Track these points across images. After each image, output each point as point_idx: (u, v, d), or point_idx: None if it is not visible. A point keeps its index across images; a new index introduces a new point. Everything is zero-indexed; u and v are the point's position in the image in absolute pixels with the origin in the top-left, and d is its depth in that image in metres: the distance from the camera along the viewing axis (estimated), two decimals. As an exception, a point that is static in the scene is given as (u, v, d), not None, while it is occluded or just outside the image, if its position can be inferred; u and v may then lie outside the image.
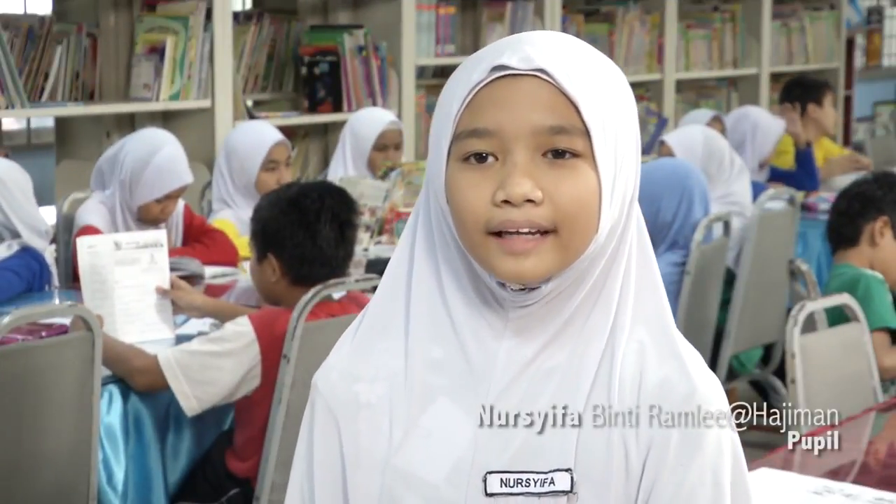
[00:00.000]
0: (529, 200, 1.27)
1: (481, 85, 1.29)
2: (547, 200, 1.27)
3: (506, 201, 1.27)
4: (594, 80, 1.29)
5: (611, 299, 1.32)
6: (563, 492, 1.29)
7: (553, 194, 1.27)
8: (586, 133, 1.28)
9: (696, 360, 1.33)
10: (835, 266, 3.97)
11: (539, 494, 1.30)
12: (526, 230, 1.27)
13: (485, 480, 1.30)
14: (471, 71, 1.30)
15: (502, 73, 1.28)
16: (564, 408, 1.30)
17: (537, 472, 1.30)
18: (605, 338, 1.32)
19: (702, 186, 4.41)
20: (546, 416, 1.31)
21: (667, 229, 4.35)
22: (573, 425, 1.30)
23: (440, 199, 1.32)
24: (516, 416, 1.31)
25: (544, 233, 1.28)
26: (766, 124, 6.13)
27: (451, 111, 1.30)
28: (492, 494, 1.30)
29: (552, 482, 1.29)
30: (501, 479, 1.30)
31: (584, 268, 1.31)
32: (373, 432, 1.35)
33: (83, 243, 3.42)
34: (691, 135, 5.11)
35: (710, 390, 1.32)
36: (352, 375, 1.37)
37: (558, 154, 1.28)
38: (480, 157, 1.29)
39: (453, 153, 1.30)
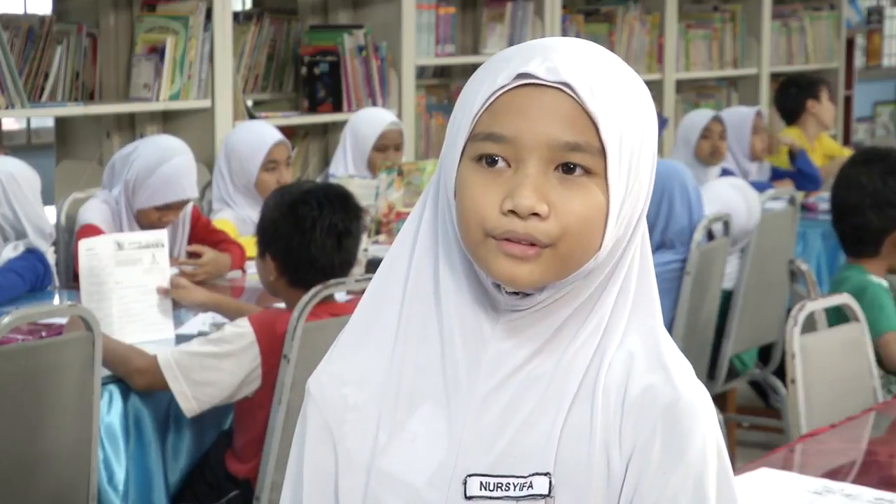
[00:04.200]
0: (535, 214, 1.26)
1: (505, 90, 1.28)
2: (553, 216, 1.27)
3: (512, 211, 1.26)
4: (617, 97, 1.28)
5: (605, 311, 1.32)
6: (541, 495, 1.29)
7: (560, 211, 1.27)
8: (602, 152, 1.27)
9: (683, 369, 1.33)
10: (847, 266, 3.89)
11: (517, 498, 1.29)
12: (526, 243, 1.27)
13: (465, 483, 1.30)
14: (496, 73, 1.29)
15: (527, 80, 1.28)
16: (548, 413, 1.30)
17: (517, 476, 1.30)
18: (595, 347, 1.31)
19: (684, 186, 4.38)
20: (529, 420, 1.31)
21: (652, 231, 4.33)
22: (555, 430, 1.29)
23: (449, 194, 1.32)
24: (500, 421, 1.31)
25: (544, 246, 1.27)
26: (737, 116, 6.17)
27: (471, 110, 1.29)
28: (471, 497, 1.30)
29: (531, 486, 1.29)
30: (481, 483, 1.30)
31: (582, 280, 1.31)
32: (359, 435, 1.35)
33: (83, 245, 3.42)
34: (726, 197, 4.75)
35: (694, 397, 1.31)
36: (341, 378, 1.38)
37: (569, 170, 1.27)
38: (492, 160, 1.28)
39: (467, 151, 1.30)
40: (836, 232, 3.93)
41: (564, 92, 1.27)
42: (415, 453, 1.33)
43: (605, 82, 1.28)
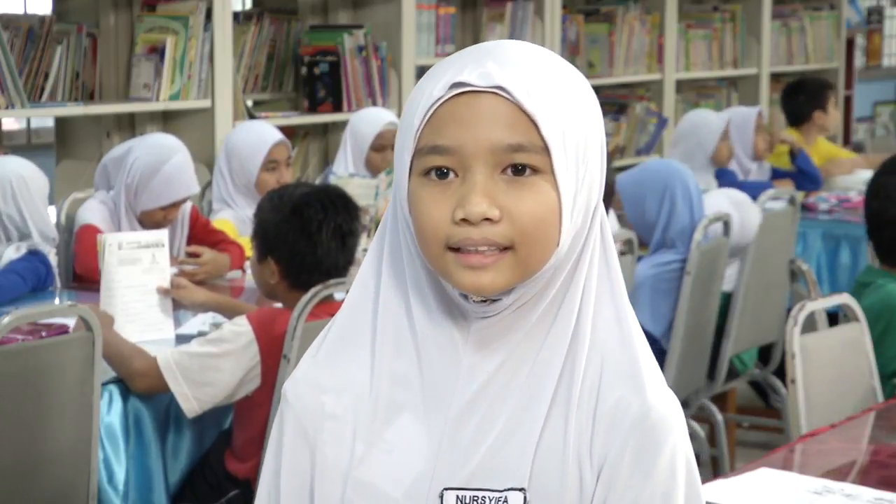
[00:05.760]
0: (487, 219, 1.27)
1: (441, 101, 1.29)
2: (505, 218, 1.27)
3: (464, 219, 1.27)
4: (555, 94, 1.29)
5: (572, 309, 1.32)
6: None
7: (512, 212, 1.28)
8: (546, 150, 1.28)
9: (654, 376, 1.33)
10: (880, 272, 3.76)
11: None
12: (484, 248, 1.28)
13: (441, 497, 1.31)
14: (433, 85, 1.30)
15: (462, 89, 1.28)
16: (523, 426, 1.31)
17: (492, 490, 1.30)
18: (566, 351, 1.32)
19: (685, 185, 4.37)
20: (504, 432, 1.31)
21: (653, 230, 4.33)
22: (530, 443, 1.30)
23: (403, 211, 1.33)
24: (476, 434, 1.31)
25: (503, 249, 1.28)
26: (741, 116, 6.16)
27: (412, 125, 1.30)
28: None
29: (506, 500, 1.30)
30: (458, 497, 1.31)
31: (547, 278, 1.31)
32: (336, 444, 1.35)
33: (105, 241, 3.43)
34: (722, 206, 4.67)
35: (665, 409, 1.32)
36: (319, 386, 1.38)
37: (518, 171, 1.28)
38: (441, 173, 1.29)
39: (415, 167, 1.31)
40: (872, 241, 3.84)
41: (500, 96, 1.28)
42: (391, 465, 1.33)
43: (541, 81, 1.29)
